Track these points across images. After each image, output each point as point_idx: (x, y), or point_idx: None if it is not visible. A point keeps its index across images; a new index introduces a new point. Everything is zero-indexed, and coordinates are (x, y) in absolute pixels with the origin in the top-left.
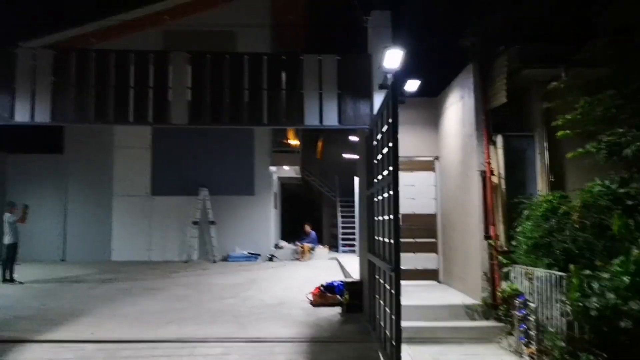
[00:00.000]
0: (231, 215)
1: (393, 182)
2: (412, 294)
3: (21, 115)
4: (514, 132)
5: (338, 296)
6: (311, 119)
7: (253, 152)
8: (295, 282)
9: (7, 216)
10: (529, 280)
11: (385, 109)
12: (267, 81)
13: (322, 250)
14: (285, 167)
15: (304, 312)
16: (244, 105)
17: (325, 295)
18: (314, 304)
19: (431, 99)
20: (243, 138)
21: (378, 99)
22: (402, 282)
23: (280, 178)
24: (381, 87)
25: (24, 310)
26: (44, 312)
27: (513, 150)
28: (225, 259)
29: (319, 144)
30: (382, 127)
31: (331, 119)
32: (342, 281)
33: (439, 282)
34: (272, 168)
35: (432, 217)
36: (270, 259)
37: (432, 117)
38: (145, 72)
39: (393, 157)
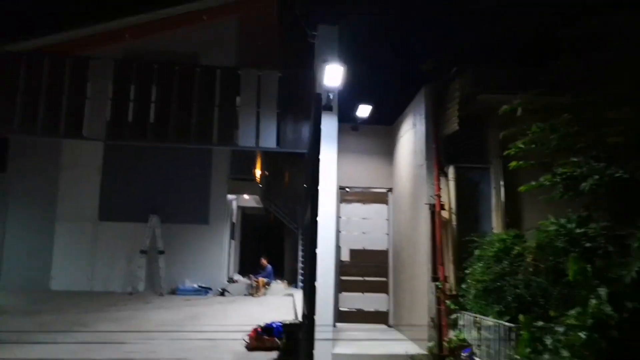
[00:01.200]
0: (182, 245)
1: (311, 213)
2: (354, 340)
3: None
4: (469, 164)
5: (277, 339)
6: (246, 140)
7: (209, 178)
8: (239, 321)
9: None
10: (477, 329)
11: (312, 126)
12: (198, 94)
13: (279, 286)
14: (246, 196)
15: (234, 358)
16: (171, 120)
17: (262, 338)
18: (250, 347)
19: (387, 127)
20: (199, 162)
21: (324, 122)
22: (348, 326)
23: (242, 207)
24: (324, 108)
25: None
26: None
27: (467, 183)
28: (174, 291)
29: (286, 173)
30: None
31: (269, 141)
32: (281, 322)
33: (388, 326)
34: (231, 196)
35: (384, 253)
36: (222, 294)
37: (387, 146)
38: (61, 78)
39: (312, 181)
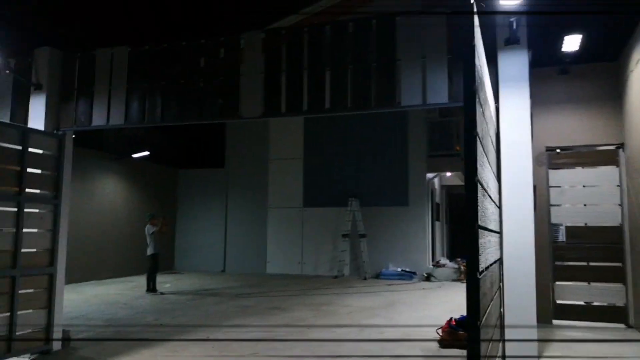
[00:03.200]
0: (383, 228)
1: (466, 179)
2: (574, 342)
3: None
4: None
5: None
6: (410, 97)
7: (406, 157)
8: (439, 310)
9: (147, 228)
10: None
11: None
12: (352, 52)
13: None
14: (448, 174)
15: (423, 354)
16: (327, 87)
17: (456, 333)
18: (441, 342)
19: (608, 63)
20: (394, 142)
21: (507, 61)
22: (570, 323)
23: (445, 187)
24: (509, 42)
25: (133, 325)
26: (150, 328)
27: None
28: (378, 275)
29: None
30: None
31: (439, 95)
32: None
33: (628, 325)
34: (431, 175)
35: (616, 230)
36: (428, 279)
37: (611, 88)
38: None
39: (467, 135)
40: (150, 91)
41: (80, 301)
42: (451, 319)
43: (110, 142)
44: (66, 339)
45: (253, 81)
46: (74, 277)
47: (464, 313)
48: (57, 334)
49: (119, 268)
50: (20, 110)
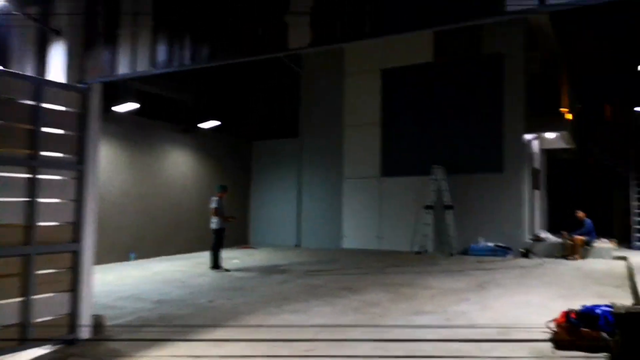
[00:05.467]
0: (472, 198)
1: None
2: None
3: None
4: None
5: (603, 334)
6: None
7: (501, 116)
8: (544, 295)
9: (216, 200)
10: None
11: None
12: None
13: (604, 245)
14: (549, 135)
15: (533, 357)
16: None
17: (577, 330)
18: (557, 341)
19: None
20: (487, 99)
21: None
22: None
23: (546, 150)
24: None
25: (182, 307)
26: (200, 311)
27: None
28: (466, 251)
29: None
30: None
31: None
32: (610, 306)
33: None
34: (529, 136)
35: None
36: (525, 255)
37: None
38: None
39: None
40: (178, 31)
41: (140, 279)
42: (570, 311)
43: (180, 113)
44: (97, 326)
45: (298, 1)
46: (142, 254)
47: (584, 302)
48: (87, 320)
49: (188, 243)
50: (40, 64)
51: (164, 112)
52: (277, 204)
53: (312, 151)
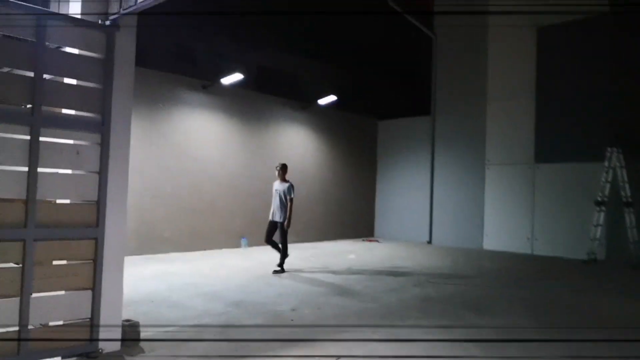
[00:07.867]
0: None
1: None
2: None
3: None
4: None
5: None
6: None
7: None
8: None
9: (284, 185)
10: None
11: None
12: None
13: None
14: None
15: None
16: None
17: None
18: None
19: None
20: None
21: None
22: None
23: None
24: None
25: (255, 315)
26: (274, 321)
27: None
28: None
29: None
30: None
31: None
32: None
33: None
34: None
35: None
36: None
37: None
38: None
39: None
40: None
41: (237, 270)
42: None
43: (297, 88)
44: (127, 339)
45: None
46: (255, 240)
47: None
48: (113, 330)
49: (305, 232)
50: None
51: (282, 86)
52: (406, 193)
53: (447, 131)
